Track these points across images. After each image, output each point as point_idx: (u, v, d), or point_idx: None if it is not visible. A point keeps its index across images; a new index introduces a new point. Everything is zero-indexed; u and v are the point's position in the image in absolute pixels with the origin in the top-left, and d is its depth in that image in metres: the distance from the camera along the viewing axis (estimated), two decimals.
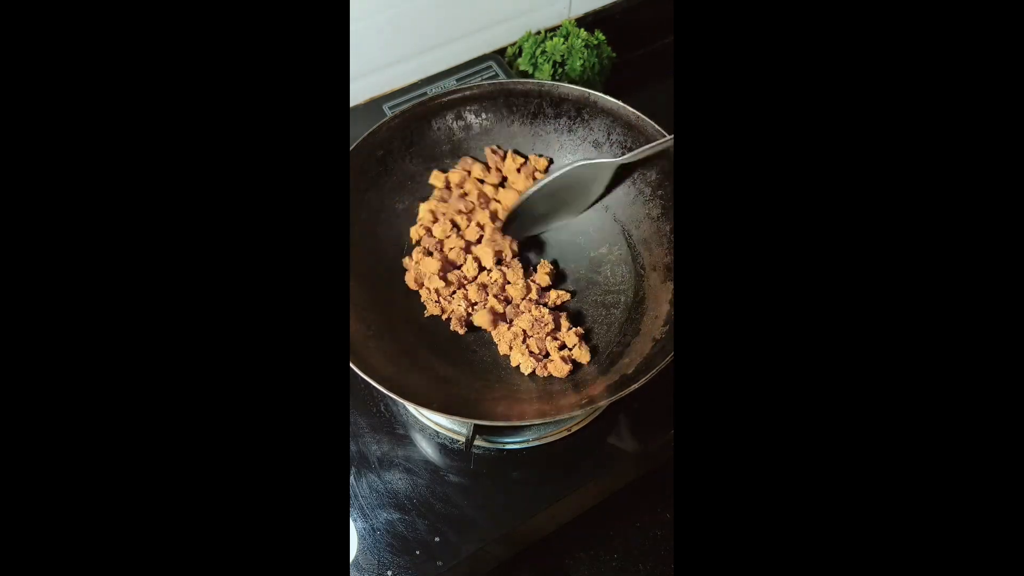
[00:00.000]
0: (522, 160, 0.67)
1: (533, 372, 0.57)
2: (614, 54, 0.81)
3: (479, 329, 0.60)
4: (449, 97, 0.64)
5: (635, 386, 0.50)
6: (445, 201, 0.65)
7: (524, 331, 0.59)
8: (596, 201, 0.65)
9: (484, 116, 0.66)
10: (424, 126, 0.65)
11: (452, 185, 0.66)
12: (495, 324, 0.59)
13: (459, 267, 0.63)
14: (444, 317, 0.60)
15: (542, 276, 0.62)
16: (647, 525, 0.69)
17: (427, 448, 0.61)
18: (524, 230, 0.65)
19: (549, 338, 0.59)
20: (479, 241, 0.64)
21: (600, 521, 0.68)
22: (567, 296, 0.62)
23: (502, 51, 0.83)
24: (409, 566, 0.55)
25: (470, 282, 0.62)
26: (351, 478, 0.58)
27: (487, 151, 0.67)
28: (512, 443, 0.60)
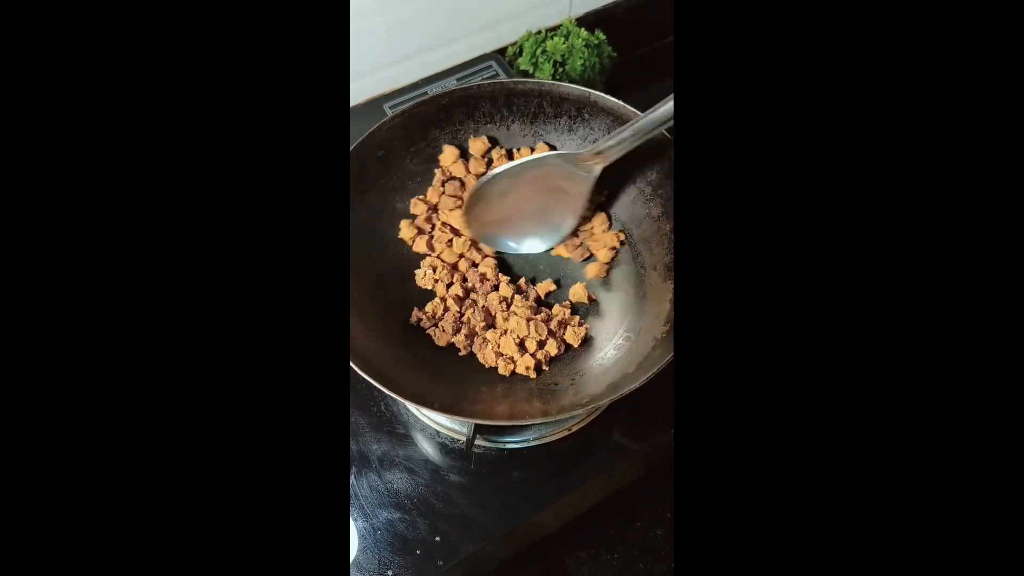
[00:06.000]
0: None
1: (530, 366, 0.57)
2: (615, 53, 0.81)
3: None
4: (449, 97, 0.64)
5: (635, 385, 0.50)
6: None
7: (518, 336, 0.59)
8: (571, 231, 0.63)
9: (484, 116, 0.66)
10: (424, 126, 0.65)
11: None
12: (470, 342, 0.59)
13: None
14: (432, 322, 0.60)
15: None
16: (647, 525, 0.69)
17: (428, 448, 0.61)
18: (490, 231, 0.62)
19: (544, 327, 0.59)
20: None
21: (600, 521, 0.68)
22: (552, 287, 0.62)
23: (502, 51, 0.83)
24: (410, 566, 0.55)
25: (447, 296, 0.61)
26: (351, 478, 0.59)
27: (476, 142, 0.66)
28: (512, 443, 0.60)
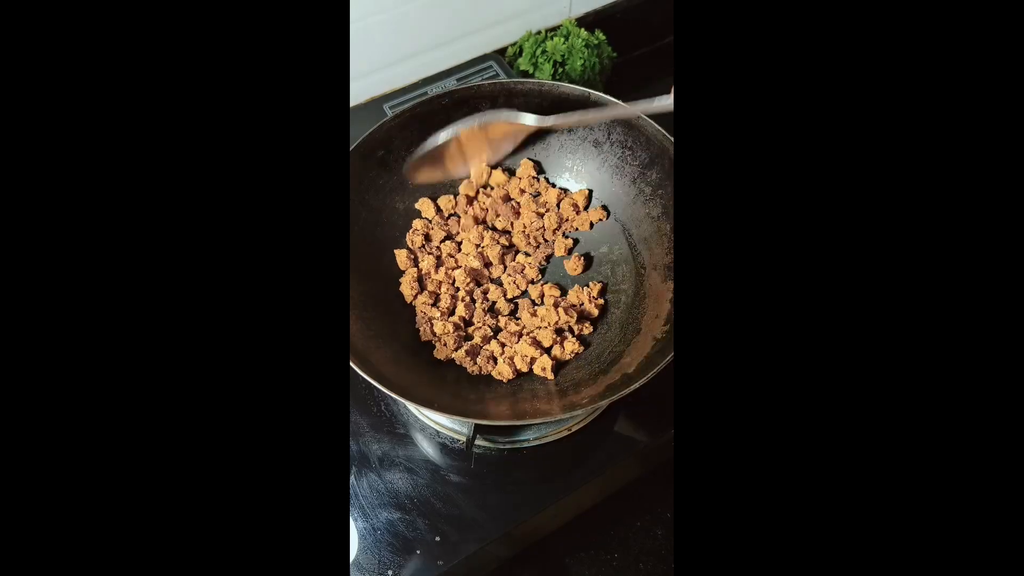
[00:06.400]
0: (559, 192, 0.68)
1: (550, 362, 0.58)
2: (615, 54, 0.82)
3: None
4: (450, 97, 0.64)
5: (636, 385, 0.50)
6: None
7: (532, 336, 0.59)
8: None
9: None
10: (424, 126, 0.65)
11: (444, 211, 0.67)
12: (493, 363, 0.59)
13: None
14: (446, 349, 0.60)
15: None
16: (647, 525, 0.69)
17: (428, 448, 0.61)
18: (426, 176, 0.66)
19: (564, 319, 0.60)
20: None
21: (600, 521, 0.68)
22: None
23: (502, 51, 0.83)
24: (409, 565, 0.55)
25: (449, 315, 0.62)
26: (351, 478, 0.59)
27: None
28: (512, 443, 0.60)
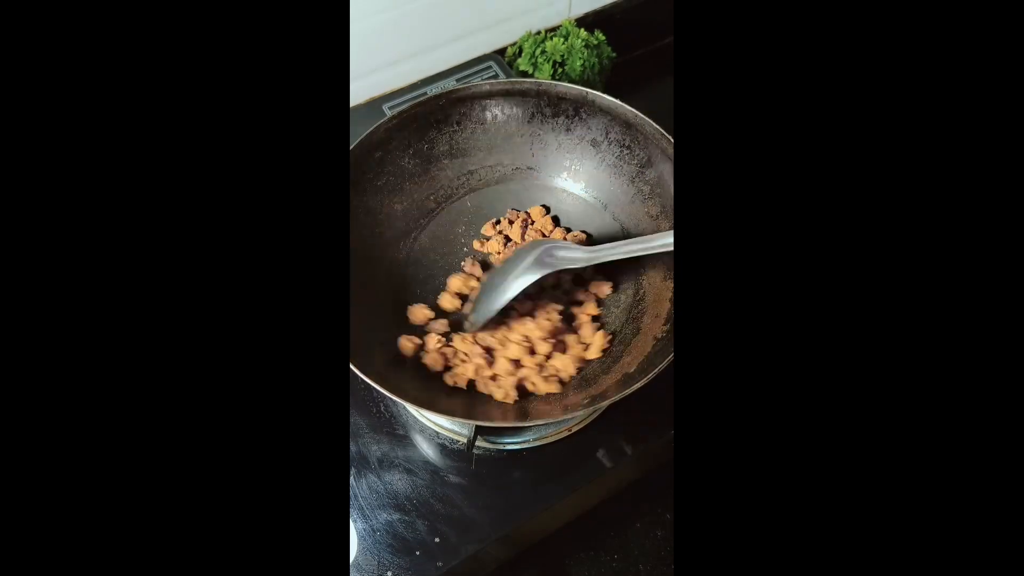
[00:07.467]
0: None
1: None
2: (614, 54, 0.81)
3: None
4: (447, 98, 0.64)
5: (637, 385, 0.50)
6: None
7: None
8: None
9: (480, 116, 0.66)
10: (423, 126, 0.65)
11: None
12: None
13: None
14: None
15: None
16: (647, 525, 0.69)
17: (427, 449, 0.61)
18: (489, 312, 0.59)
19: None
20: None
21: (600, 521, 0.68)
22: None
23: (502, 51, 0.83)
24: (409, 567, 0.55)
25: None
26: (351, 479, 0.58)
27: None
28: (512, 443, 0.60)
